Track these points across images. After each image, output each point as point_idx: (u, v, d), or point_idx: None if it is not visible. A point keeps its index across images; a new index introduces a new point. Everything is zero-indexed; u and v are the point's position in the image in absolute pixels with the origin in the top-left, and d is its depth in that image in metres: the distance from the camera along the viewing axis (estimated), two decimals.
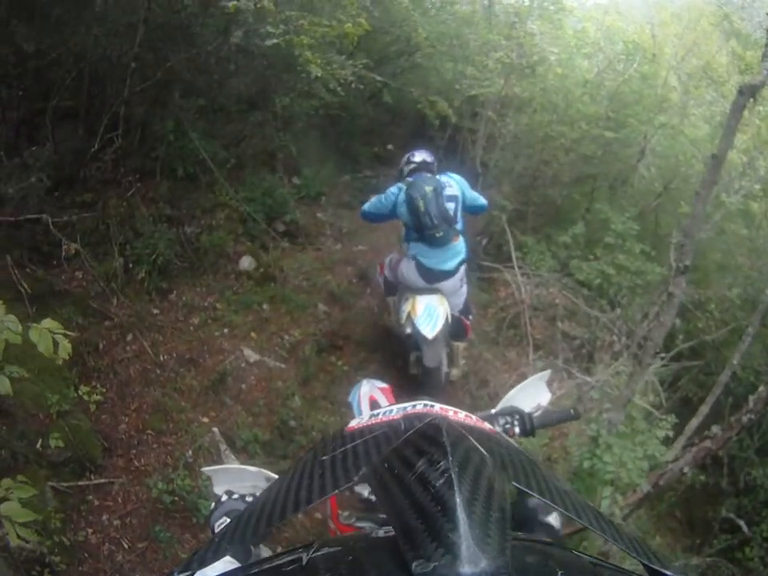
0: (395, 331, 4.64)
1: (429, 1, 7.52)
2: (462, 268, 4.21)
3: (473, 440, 0.78)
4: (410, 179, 4.06)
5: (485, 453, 0.76)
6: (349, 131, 7.24)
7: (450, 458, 0.66)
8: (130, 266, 4.77)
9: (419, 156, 4.28)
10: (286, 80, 5.51)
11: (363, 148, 7.15)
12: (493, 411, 1.68)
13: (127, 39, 5.00)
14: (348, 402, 2.40)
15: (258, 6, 3.72)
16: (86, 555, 3.06)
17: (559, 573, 0.59)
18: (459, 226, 4.13)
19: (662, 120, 5.76)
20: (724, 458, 4.66)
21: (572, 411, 1.77)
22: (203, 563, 0.70)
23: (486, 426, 1.16)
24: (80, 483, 3.37)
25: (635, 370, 3.64)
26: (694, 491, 4.70)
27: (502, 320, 5.30)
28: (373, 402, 2.26)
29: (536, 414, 1.70)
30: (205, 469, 1.69)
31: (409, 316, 4.04)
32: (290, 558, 0.67)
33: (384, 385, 2.47)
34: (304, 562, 0.64)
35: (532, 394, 1.76)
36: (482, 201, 4.32)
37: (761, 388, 3.38)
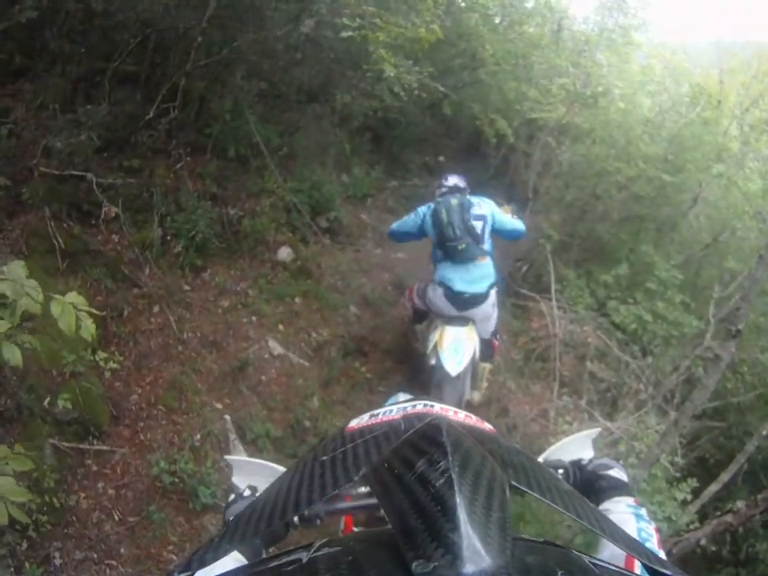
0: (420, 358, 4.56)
1: (498, 18, 7.48)
2: (493, 293, 4.14)
3: (473, 440, 0.78)
4: (439, 199, 4.06)
5: (485, 453, 0.76)
6: (403, 137, 7.21)
7: (450, 458, 0.66)
8: (168, 238, 4.77)
9: (452, 180, 4.25)
10: (351, 77, 5.50)
11: (415, 156, 7.10)
12: (540, 459, 1.62)
13: (197, 12, 5.02)
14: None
15: None
16: (74, 519, 3.05)
17: (559, 573, 0.59)
18: (487, 247, 4.09)
19: (720, 169, 5.64)
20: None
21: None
22: (203, 563, 0.70)
23: (487, 425, 1.17)
24: (81, 446, 3.36)
25: (669, 429, 3.52)
26: (693, 555, 4.59)
27: (531, 351, 5.21)
28: None
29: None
30: (228, 457, 1.66)
31: (435, 347, 3.95)
32: (290, 558, 0.66)
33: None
34: (304, 562, 0.63)
35: (576, 449, 1.71)
36: (518, 225, 4.29)
37: None
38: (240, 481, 1.58)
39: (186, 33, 5.22)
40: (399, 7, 4.61)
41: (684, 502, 3.28)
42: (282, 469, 1.54)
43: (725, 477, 3.90)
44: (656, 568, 0.69)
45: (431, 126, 7.39)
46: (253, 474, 1.57)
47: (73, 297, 1.97)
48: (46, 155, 4.56)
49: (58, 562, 2.84)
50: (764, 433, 3.95)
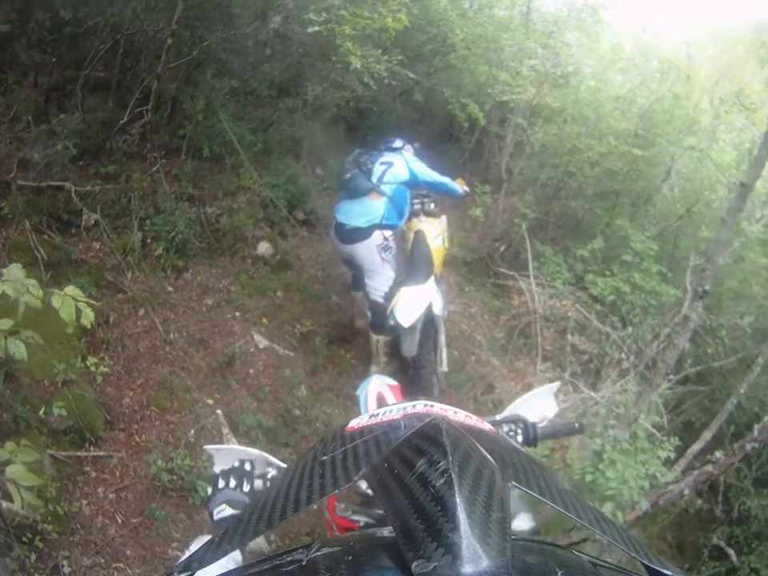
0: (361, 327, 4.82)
1: (467, 2, 7.49)
2: (379, 237, 4.27)
3: (473, 440, 0.79)
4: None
5: (485, 453, 0.77)
6: (377, 126, 7.21)
7: (450, 458, 0.66)
8: (148, 241, 4.80)
9: (393, 142, 4.69)
10: (320, 69, 5.51)
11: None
12: (498, 417, 1.69)
13: (165, 15, 5.03)
14: (355, 396, 2.41)
15: None
16: (79, 526, 3.08)
17: (559, 573, 0.59)
18: (386, 189, 4.31)
19: (691, 142, 5.71)
20: (720, 485, 4.64)
21: (577, 425, 1.79)
22: (203, 563, 0.70)
23: (487, 425, 1.17)
24: (78, 454, 3.39)
25: (644, 389, 3.64)
26: (687, 516, 4.70)
27: (512, 328, 5.30)
28: (380, 399, 2.27)
29: (541, 425, 1.71)
30: (207, 447, 1.70)
31: (392, 309, 4.11)
32: (290, 558, 0.67)
33: (393, 382, 2.47)
34: (304, 562, 0.64)
35: (539, 405, 1.77)
36: (444, 180, 4.57)
37: (766, 418, 3.39)
38: (219, 469, 1.60)
39: (155, 36, 5.24)
40: None
41: (668, 461, 3.38)
42: (256, 452, 1.59)
43: (707, 435, 4.01)
44: (656, 568, 0.69)
45: (404, 114, 7.40)
46: (231, 461, 1.58)
47: (71, 290, 2.09)
48: (22, 168, 4.59)
49: (66, 570, 2.87)
50: (742, 391, 4.06)
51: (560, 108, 6.06)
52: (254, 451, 1.63)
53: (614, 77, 6.88)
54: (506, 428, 1.63)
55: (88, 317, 2.10)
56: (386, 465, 0.78)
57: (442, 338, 4.46)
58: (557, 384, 1.91)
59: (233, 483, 1.50)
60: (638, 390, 3.86)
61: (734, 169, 5.49)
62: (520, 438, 1.63)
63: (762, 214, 5.13)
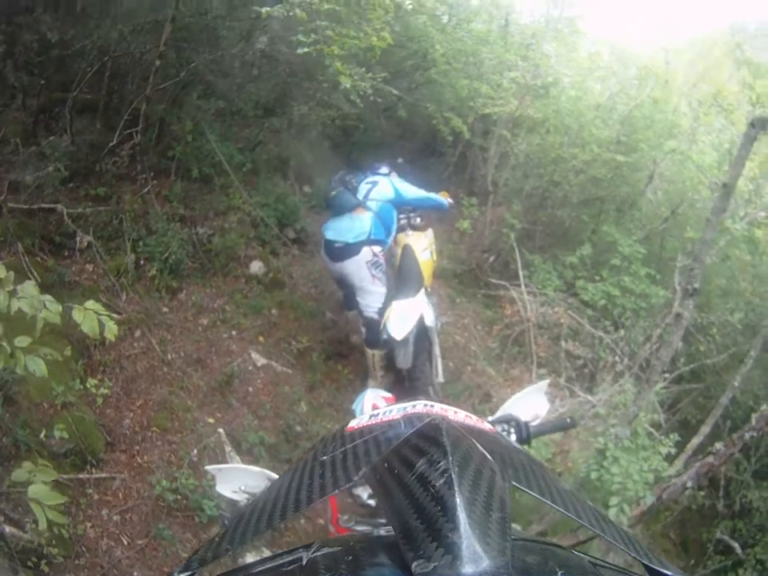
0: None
1: (446, 17, 7.60)
2: (368, 253, 4.32)
3: (473, 440, 0.79)
4: None
5: (485, 453, 0.77)
6: (361, 143, 7.28)
7: (450, 458, 0.67)
8: (141, 262, 4.79)
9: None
10: (307, 89, 5.57)
11: (374, 160, 7.21)
12: (490, 418, 1.69)
13: (152, 37, 5.07)
14: (351, 410, 2.43)
15: (290, 13, 3.77)
16: (84, 549, 3.04)
17: (559, 573, 0.59)
18: (372, 206, 4.40)
19: (672, 145, 5.82)
20: (721, 479, 4.70)
21: (569, 420, 1.81)
22: (203, 563, 0.70)
23: (486, 425, 1.18)
24: (80, 476, 3.35)
25: (642, 387, 3.70)
26: (690, 513, 4.73)
27: (506, 337, 5.35)
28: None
29: (534, 423, 1.71)
30: (209, 467, 1.71)
31: (385, 323, 4.16)
32: (290, 558, 0.67)
33: (388, 395, 2.49)
34: (304, 562, 0.64)
35: (531, 404, 1.77)
36: (426, 195, 4.70)
37: (764, 406, 3.47)
38: (224, 489, 1.62)
39: (141, 57, 5.28)
40: (351, 18, 4.70)
41: (669, 456, 3.44)
42: (257, 470, 1.59)
43: (705, 429, 4.08)
44: (656, 568, 0.68)
45: (387, 129, 7.47)
46: (234, 480, 1.59)
47: (91, 304, 2.08)
48: (13, 190, 4.60)
49: None
50: (736, 384, 4.13)
51: (542, 119, 6.15)
52: (256, 469, 1.63)
53: (594, 85, 6.99)
54: (498, 428, 1.64)
55: (111, 330, 2.08)
56: (386, 465, 0.78)
57: (437, 350, 4.50)
58: (545, 382, 1.92)
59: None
60: (636, 390, 3.90)
61: (716, 169, 5.60)
62: (513, 437, 1.63)
63: (745, 212, 5.22)
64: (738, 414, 4.98)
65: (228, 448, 3.76)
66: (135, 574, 3.06)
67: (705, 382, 5.41)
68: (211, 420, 3.98)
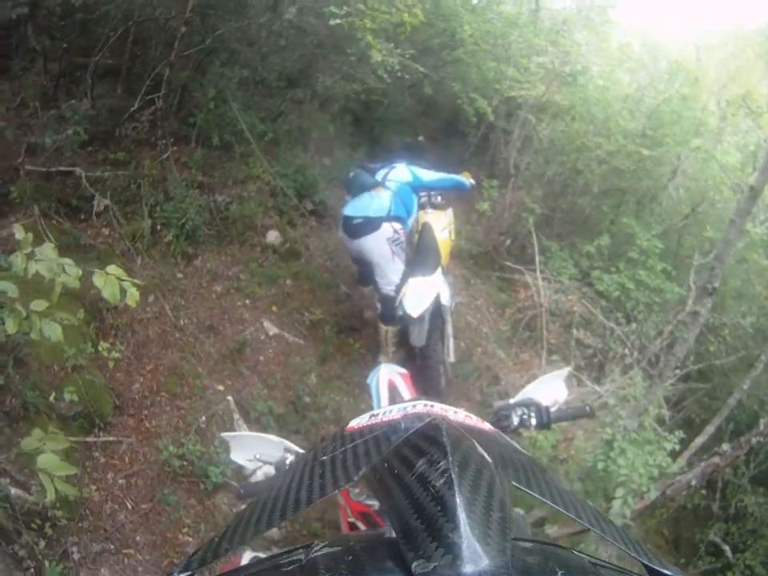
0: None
1: None
2: (389, 229, 4.31)
3: (473, 440, 0.79)
4: None
5: (485, 453, 0.77)
6: (384, 119, 7.23)
7: (450, 458, 0.67)
8: (158, 227, 4.79)
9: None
10: (333, 61, 5.52)
11: (396, 137, 7.17)
12: (511, 401, 1.72)
13: (177, 3, 5.00)
14: (366, 384, 2.42)
15: None
16: (88, 512, 3.05)
17: (559, 573, 0.59)
18: (391, 186, 4.41)
19: (698, 143, 5.76)
20: (718, 482, 4.71)
21: (587, 408, 1.81)
22: (203, 563, 0.70)
23: (486, 425, 1.18)
24: (88, 439, 3.35)
25: (654, 381, 3.70)
26: (685, 512, 4.74)
27: (518, 321, 5.36)
28: (392, 387, 2.29)
29: (553, 409, 1.74)
30: (223, 434, 1.71)
31: (401, 299, 4.15)
32: (290, 558, 0.67)
33: (403, 370, 2.49)
34: (304, 562, 0.64)
35: (550, 390, 1.80)
36: (452, 177, 4.72)
37: None
38: (237, 456, 1.63)
39: (166, 23, 5.23)
40: None
41: (673, 453, 3.45)
42: (276, 439, 1.60)
43: (710, 429, 4.08)
44: (656, 568, 0.68)
45: (411, 107, 7.42)
46: (249, 448, 1.60)
47: (113, 269, 2.03)
48: (31, 153, 4.59)
49: (76, 556, 2.85)
50: (745, 387, 4.12)
51: (568, 106, 6.09)
52: (273, 437, 1.63)
53: (622, 76, 6.92)
54: (519, 411, 1.66)
55: (133, 296, 2.04)
56: (386, 465, 0.79)
57: (449, 329, 4.49)
58: (566, 369, 1.95)
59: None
60: (648, 383, 3.90)
61: (739, 171, 5.55)
62: (534, 422, 1.66)
63: (765, 216, 5.17)
64: (741, 418, 4.98)
65: (236, 416, 3.78)
66: (138, 538, 3.08)
67: (712, 382, 5.40)
68: (221, 387, 3.99)
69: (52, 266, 1.94)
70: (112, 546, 2.99)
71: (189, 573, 0.68)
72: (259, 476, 1.64)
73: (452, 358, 4.50)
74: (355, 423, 1.15)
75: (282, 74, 6.01)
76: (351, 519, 1.58)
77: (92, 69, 4.97)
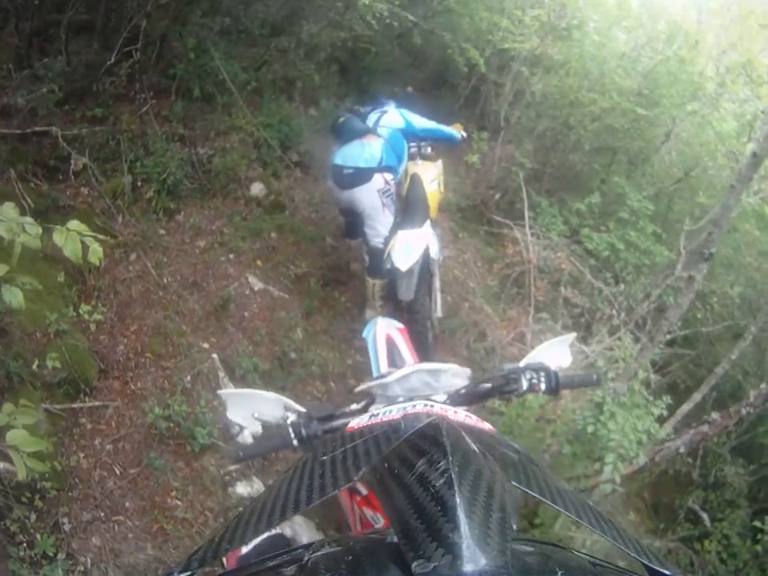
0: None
1: None
2: (380, 180, 4.19)
3: (473, 440, 0.79)
4: None
5: (485, 453, 0.78)
6: (371, 68, 7.03)
7: (450, 458, 0.67)
8: (139, 184, 4.69)
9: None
10: (319, 7, 5.32)
11: (383, 87, 7.00)
12: (521, 365, 1.69)
13: None
14: (363, 338, 2.37)
15: None
16: (77, 480, 3.03)
17: (559, 573, 0.59)
18: (382, 132, 4.30)
19: (694, 107, 5.68)
20: (699, 449, 4.77)
21: (595, 377, 1.79)
22: (203, 563, 0.70)
23: (486, 425, 1.19)
24: (74, 406, 3.31)
25: (645, 344, 3.68)
26: (666, 477, 4.81)
27: (506, 277, 5.31)
28: (389, 341, 2.25)
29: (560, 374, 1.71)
30: (220, 392, 1.67)
31: (389, 252, 4.08)
32: (290, 558, 0.67)
33: (400, 325, 2.46)
34: (304, 562, 0.63)
35: (555, 355, 1.77)
36: (442, 128, 4.64)
37: (762, 384, 3.50)
38: (234, 415, 1.59)
39: None
40: None
41: (660, 419, 3.45)
42: (274, 396, 1.57)
43: (697, 396, 4.09)
44: (656, 568, 0.69)
45: (399, 56, 7.22)
46: (246, 406, 1.57)
47: (75, 225, 1.92)
48: (5, 116, 4.43)
49: (67, 527, 2.83)
50: (733, 357, 4.13)
51: (563, 60, 5.94)
52: (272, 395, 1.59)
53: (619, 34, 6.73)
54: (528, 375, 1.63)
55: (96, 252, 1.92)
56: (386, 465, 0.79)
57: (437, 283, 4.46)
58: (572, 335, 1.94)
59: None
60: (638, 346, 3.88)
61: (734, 139, 5.49)
62: (543, 386, 1.63)
63: (758, 187, 5.12)
64: (725, 387, 5.06)
65: (221, 374, 3.73)
66: (127, 504, 3.06)
67: (697, 349, 5.43)
68: (206, 345, 3.93)
69: (11, 225, 1.81)
70: (102, 514, 2.97)
71: (189, 573, 0.68)
72: (246, 435, 1.63)
73: (439, 313, 4.46)
74: (355, 423, 1.16)
75: (265, 21, 5.82)
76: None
77: (65, 24, 4.75)
